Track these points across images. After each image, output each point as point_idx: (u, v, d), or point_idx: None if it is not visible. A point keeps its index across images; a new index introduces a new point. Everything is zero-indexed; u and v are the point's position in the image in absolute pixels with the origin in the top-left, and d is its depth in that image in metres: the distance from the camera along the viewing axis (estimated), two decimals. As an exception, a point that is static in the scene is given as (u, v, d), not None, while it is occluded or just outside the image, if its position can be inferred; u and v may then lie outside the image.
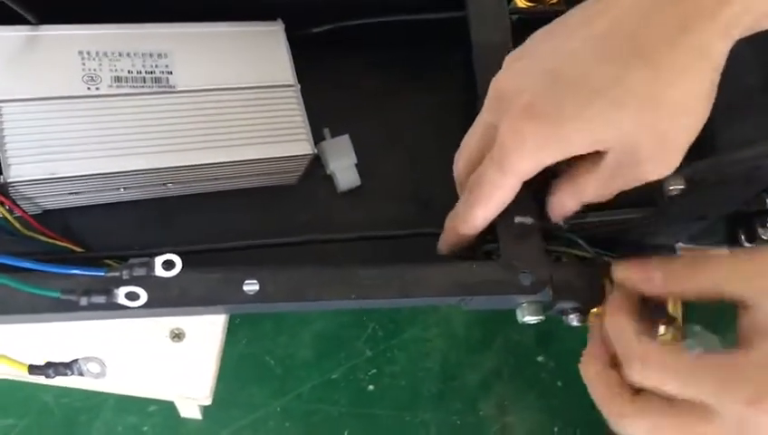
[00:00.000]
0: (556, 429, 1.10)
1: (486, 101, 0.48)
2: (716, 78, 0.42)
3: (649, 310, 0.48)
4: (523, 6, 0.62)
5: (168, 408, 1.01)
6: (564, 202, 0.48)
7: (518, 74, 0.46)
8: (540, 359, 1.15)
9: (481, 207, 0.48)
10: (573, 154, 0.43)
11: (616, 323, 0.46)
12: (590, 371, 0.47)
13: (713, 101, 0.42)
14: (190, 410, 0.96)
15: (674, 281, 0.45)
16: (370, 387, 1.10)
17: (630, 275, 0.47)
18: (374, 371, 1.11)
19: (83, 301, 0.39)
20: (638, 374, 0.43)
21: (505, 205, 0.48)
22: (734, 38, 0.41)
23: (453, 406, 1.10)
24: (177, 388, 0.56)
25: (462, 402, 1.11)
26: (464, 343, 1.13)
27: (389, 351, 1.12)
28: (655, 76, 0.41)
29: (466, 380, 1.12)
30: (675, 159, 0.43)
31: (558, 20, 0.46)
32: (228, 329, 0.61)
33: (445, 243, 0.52)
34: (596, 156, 0.44)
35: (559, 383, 1.13)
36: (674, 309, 0.52)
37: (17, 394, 1.01)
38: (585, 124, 0.42)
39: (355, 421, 1.08)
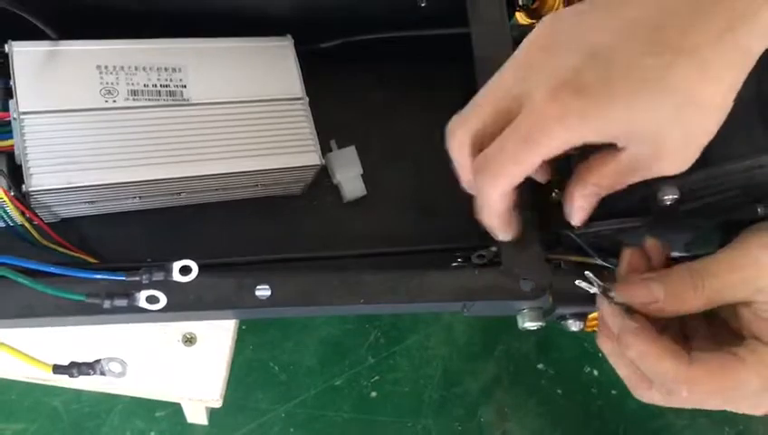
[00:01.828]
0: (556, 435, 1.14)
1: (511, 67, 0.46)
2: (746, 75, 0.42)
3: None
4: (524, 23, 0.65)
5: (174, 413, 1.03)
6: (583, 206, 0.47)
7: (554, 49, 0.44)
8: (540, 366, 1.17)
9: (490, 186, 0.45)
10: (606, 139, 0.43)
11: (642, 353, 0.46)
12: (608, 348, 0.50)
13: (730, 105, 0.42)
14: (197, 415, 0.98)
15: (677, 296, 0.46)
16: (373, 393, 1.12)
17: (636, 296, 0.47)
18: (377, 377, 1.13)
19: (107, 304, 0.41)
20: (686, 399, 0.44)
21: (516, 184, 0.45)
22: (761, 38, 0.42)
23: (454, 412, 1.13)
24: (189, 390, 0.58)
25: (463, 409, 1.13)
26: (465, 350, 1.16)
27: (392, 358, 1.14)
28: (700, 75, 0.41)
29: (467, 386, 1.14)
30: (693, 157, 0.43)
31: (585, 2, 0.45)
32: (235, 341, 0.62)
33: (498, 231, 0.50)
34: (614, 148, 0.44)
35: (559, 391, 1.16)
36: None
37: (27, 400, 1.03)
38: (629, 111, 0.41)
39: (358, 427, 1.10)
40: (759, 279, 0.44)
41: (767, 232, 0.45)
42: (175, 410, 1.03)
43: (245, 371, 1.09)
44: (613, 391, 1.16)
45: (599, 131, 0.42)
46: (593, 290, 0.49)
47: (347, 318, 1.15)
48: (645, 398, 0.47)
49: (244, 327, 1.10)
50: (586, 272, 0.49)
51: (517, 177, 0.44)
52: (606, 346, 0.49)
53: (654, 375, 0.46)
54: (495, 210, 0.47)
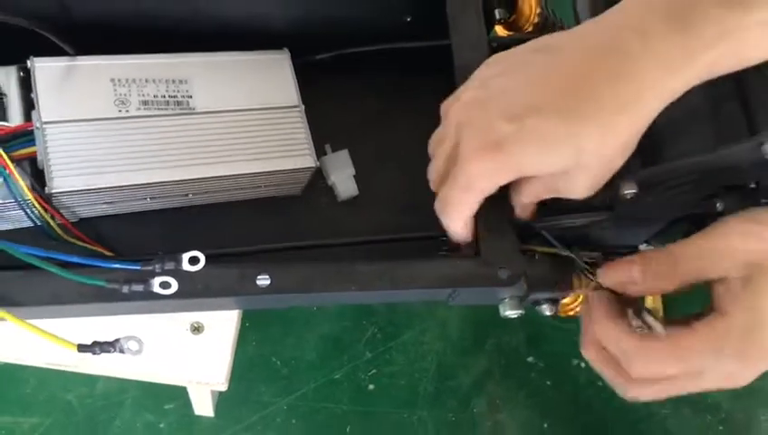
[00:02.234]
0: (546, 425, 1.16)
1: (451, 118, 0.53)
2: (643, 129, 0.49)
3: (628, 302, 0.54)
4: (503, 35, 0.69)
5: (182, 406, 1.07)
6: (525, 205, 0.55)
7: (484, 106, 0.51)
8: (530, 360, 1.20)
9: (451, 222, 0.54)
10: (524, 177, 0.51)
11: (605, 329, 0.52)
12: (591, 355, 0.54)
13: (633, 148, 0.50)
14: (203, 407, 1.03)
15: (656, 278, 0.51)
16: (371, 386, 1.16)
17: (616, 278, 0.53)
18: (374, 371, 1.16)
19: (125, 289, 0.46)
20: (642, 369, 0.50)
21: (471, 216, 0.54)
22: (670, 100, 0.48)
23: (448, 404, 1.16)
24: (197, 374, 0.62)
25: (457, 401, 1.16)
26: (458, 345, 1.19)
27: (388, 353, 1.17)
28: (606, 136, 0.48)
29: (461, 379, 1.18)
30: (598, 185, 0.51)
31: (520, 53, 0.52)
32: (237, 338, 0.66)
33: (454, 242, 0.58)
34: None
35: (548, 383, 1.19)
36: (654, 301, 0.58)
37: (43, 394, 1.07)
38: (542, 166, 0.50)
39: (356, 419, 1.14)
40: (735, 256, 0.48)
41: (748, 220, 0.50)
42: (183, 402, 1.06)
43: (249, 365, 1.13)
44: (600, 383, 1.18)
45: (516, 175, 0.51)
46: None
47: (345, 315, 1.18)
48: (628, 394, 0.52)
49: (247, 324, 1.13)
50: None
51: (467, 213, 0.53)
52: (590, 353, 0.54)
53: (616, 353, 0.51)
54: (454, 235, 0.56)
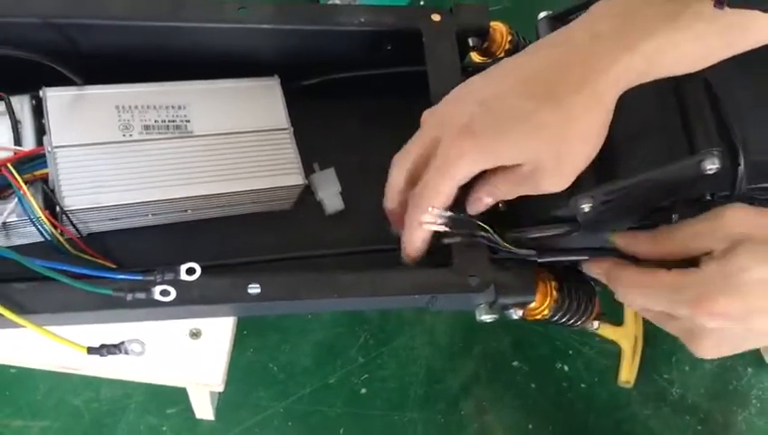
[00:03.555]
0: (531, 426, 1.20)
1: (429, 119, 0.60)
2: (609, 117, 0.55)
3: None
4: (478, 61, 0.74)
5: (184, 410, 1.12)
6: (481, 198, 0.59)
7: (458, 102, 0.58)
8: (515, 364, 1.24)
9: (427, 206, 0.58)
10: (498, 165, 0.56)
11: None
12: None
13: (605, 135, 0.55)
14: (204, 411, 1.07)
15: (656, 244, 0.58)
16: (363, 390, 1.19)
17: (625, 240, 0.60)
18: (366, 375, 1.20)
19: (129, 296, 0.51)
20: (620, 296, 0.59)
21: (447, 205, 0.58)
22: (622, 88, 0.54)
23: (437, 406, 1.20)
24: (196, 376, 0.67)
25: (445, 403, 1.20)
26: (446, 350, 1.23)
27: (380, 358, 1.21)
28: (563, 116, 0.54)
29: (449, 383, 1.21)
30: (570, 177, 0.56)
31: (491, 67, 0.59)
32: (237, 340, 0.70)
33: (407, 254, 0.62)
34: (509, 167, 0.56)
35: (533, 385, 1.23)
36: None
37: (51, 399, 1.12)
38: (510, 144, 0.55)
39: (350, 421, 1.17)
40: (723, 230, 0.53)
41: (746, 206, 0.55)
42: (184, 407, 1.10)
43: (247, 371, 1.16)
44: (582, 385, 1.23)
45: (491, 161, 0.56)
46: None
47: (339, 322, 1.22)
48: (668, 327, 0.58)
49: (245, 332, 1.17)
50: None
51: (441, 201, 0.57)
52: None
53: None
54: (418, 237, 0.60)
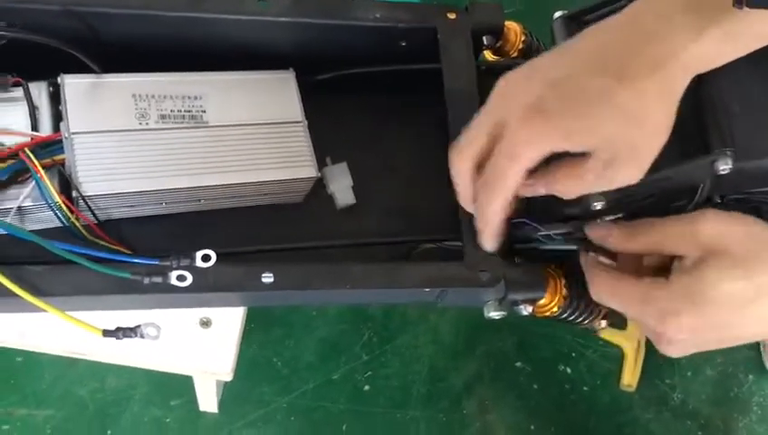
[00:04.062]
0: (532, 427, 1.21)
1: (492, 102, 0.56)
2: (675, 108, 0.53)
3: None
4: (491, 60, 0.74)
5: (188, 402, 1.12)
6: (535, 187, 0.56)
7: (524, 79, 0.54)
8: (518, 364, 1.25)
9: (494, 199, 0.55)
10: (570, 148, 0.53)
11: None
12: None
13: (671, 126, 0.53)
14: (209, 403, 1.08)
15: (627, 239, 0.57)
16: (366, 387, 1.20)
17: (598, 232, 0.59)
18: (370, 373, 1.21)
19: (146, 280, 0.52)
20: (593, 295, 0.59)
21: (512, 193, 0.55)
22: (690, 76, 0.53)
23: (440, 405, 1.20)
24: (205, 365, 0.67)
25: (448, 402, 1.21)
26: (450, 349, 1.23)
27: (384, 355, 1.22)
28: (638, 99, 0.51)
29: (452, 382, 1.22)
30: (642, 170, 0.53)
31: (554, 49, 0.57)
32: (242, 334, 0.70)
33: (486, 240, 0.60)
34: (576, 160, 0.53)
35: (535, 386, 1.24)
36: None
37: (57, 389, 1.12)
38: (585, 124, 0.51)
39: (352, 417, 1.18)
40: (696, 238, 0.53)
41: (724, 213, 0.54)
42: (188, 399, 1.11)
43: (252, 366, 1.17)
44: (585, 388, 1.24)
45: (563, 143, 0.52)
46: None
47: (343, 319, 1.22)
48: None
49: (252, 326, 1.18)
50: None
51: (511, 188, 0.55)
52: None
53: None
54: (492, 222, 0.58)
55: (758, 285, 0.51)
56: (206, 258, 0.54)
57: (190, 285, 0.53)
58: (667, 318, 0.53)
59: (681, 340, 0.54)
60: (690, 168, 0.56)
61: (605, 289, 0.58)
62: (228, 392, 1.12)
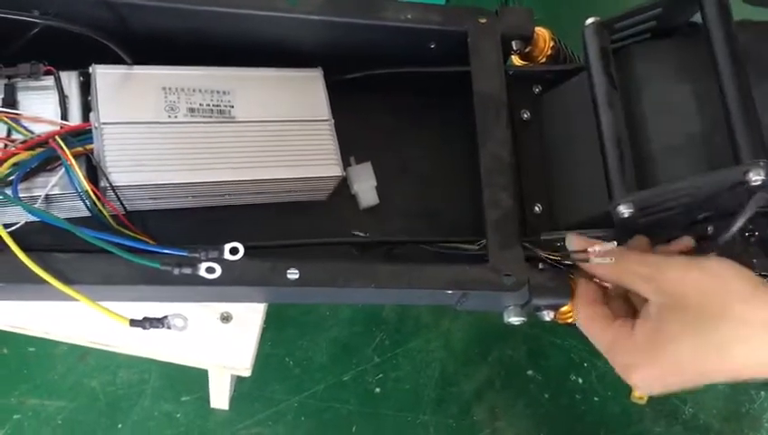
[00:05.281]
0: (542, 435, 1.21)
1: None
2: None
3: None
4: (519, 65, 0.74)
5: (199, 398, 1.12)
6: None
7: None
8: (529, 373, 1.25)
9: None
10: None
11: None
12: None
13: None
14: (220, 400, 1.07)
15: (599, 267, 0.58)
16: (377, 389, 1.20)
17: (577, 246, 0.60)
18: (381, 375, 1.21)
19: (176, 271, 0.52)
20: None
21: None
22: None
23: (450, 410, 1.20)
24: (225, 359, 0.67)
25: (458, 407, 1.20)
26: (461, 355, 1.23)
27: (395, 358, 1.22)
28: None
29: (463, 388, 1.22)
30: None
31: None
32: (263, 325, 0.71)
33: None
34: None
35: (546, 395, 1.24)
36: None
37: (69, 380, 1.13)
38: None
39: (362, 419, 1.18)
40: (663, 284, 0.55)
41: (698, 263, 0.55)
42: (199, 395, 1.11)
43: (263, 364, 1.16)
44: (596, 398, 1.23)
45: None
46: None
47: (356, 321, 1.22)
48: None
49: (266, 325, 1.18)
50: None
51: None
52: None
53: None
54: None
55: (720, 341, 0.52)
56: (233, 251, 0.54)
57: (219, 277, 0.53)
58: (630, 369, 0.56)
59: (644, 386, 0.57)
60: (719, 177, 0.56)
61: (581, 322, 0.60)
62: (239, 390, 1.12)
